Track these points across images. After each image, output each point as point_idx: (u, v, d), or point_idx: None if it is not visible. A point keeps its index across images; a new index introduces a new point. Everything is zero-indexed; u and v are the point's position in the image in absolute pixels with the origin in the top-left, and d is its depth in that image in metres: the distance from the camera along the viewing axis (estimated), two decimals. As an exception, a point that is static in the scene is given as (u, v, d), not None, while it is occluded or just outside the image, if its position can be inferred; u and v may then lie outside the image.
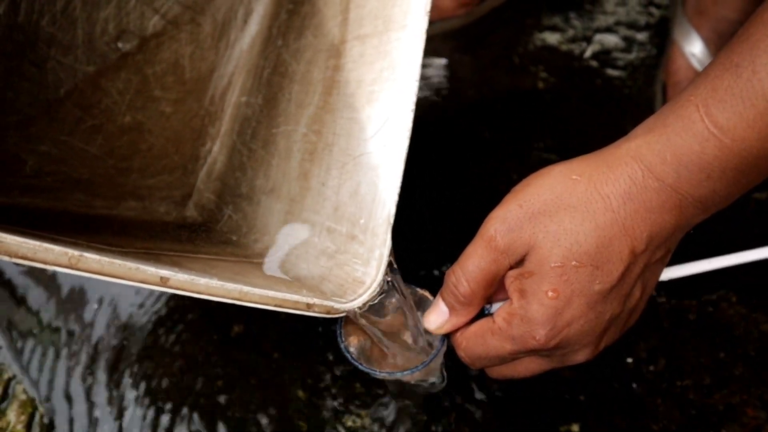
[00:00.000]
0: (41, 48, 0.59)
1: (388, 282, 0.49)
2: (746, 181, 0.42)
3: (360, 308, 0.48)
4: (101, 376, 0.69)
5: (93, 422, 0.66)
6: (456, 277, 0.44)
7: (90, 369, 0.69)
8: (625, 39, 0.93)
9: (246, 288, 0.41)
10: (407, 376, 0.48)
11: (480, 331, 0.45)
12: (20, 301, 0.75)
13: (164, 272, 0.37)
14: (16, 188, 0.54)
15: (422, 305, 0.49)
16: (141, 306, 0.73)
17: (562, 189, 0.42)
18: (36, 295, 0.75)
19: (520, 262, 0.43)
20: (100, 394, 0.68)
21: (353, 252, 0.51)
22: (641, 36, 0.93)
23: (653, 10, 0.96)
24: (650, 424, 0.62)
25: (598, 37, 0.94)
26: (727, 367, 0.65)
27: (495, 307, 0.47)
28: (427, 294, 0.50)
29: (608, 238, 0.41)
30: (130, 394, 0.67)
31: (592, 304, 0.42)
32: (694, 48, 0.81)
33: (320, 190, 0.55)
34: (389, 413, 0.64)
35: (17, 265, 0.66)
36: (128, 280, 0.37)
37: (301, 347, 0.68)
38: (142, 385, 0.68)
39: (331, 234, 0.54)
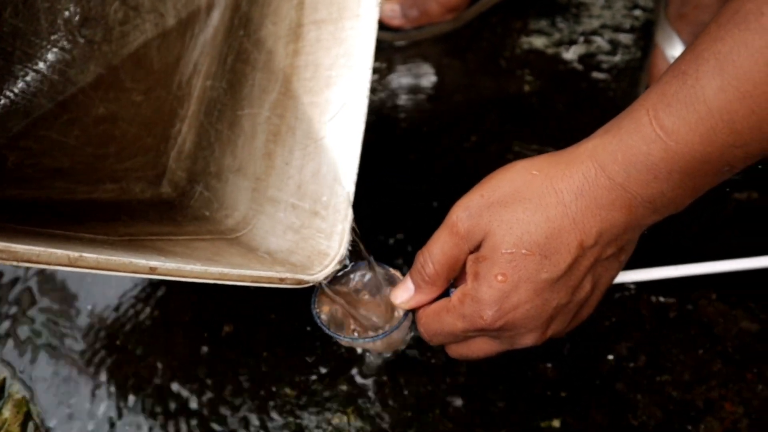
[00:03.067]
0: (6, 41, 0.62)
1: (351, 255, 0.54)
2: (693, 184, 0.43)
3: (325, 279, 0.54)
4: (94, 376, 0.71)
5: (87, 422, 0.68)
6: (423, 258, 0.50)
7: (83, 369, 0.71)
8: (611, 42, 0.95)
9: (225, 269, 0.47)
10: (369, 344, 0.54)
11: (438, 308, 0.50)
12: (14, 302, 0.77)
13: (153, 263, 0.43)
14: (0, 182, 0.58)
15: (393, 283, 0.55)
16: (133, 306, 0.76)
17: (521, 182, 0.46)
18: (29, 297, 0.77)
19: (478, 248, 0.48)
20: (94, 394, 0.70)
21: (317, 227, 0.57)
22: (626, 39, 0.95)
23: (638, 13, 0.98)
24: (630, 420, 0.64)
25: (584, 40, 0.96)
26: (706, 364, 0.66)
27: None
28: (397, 273, 0.55)
29: (558, 230, 0.45)
30: (123, 394, 0.69)
31: (538, 291, 0.46)
32: (676, 51, 0.83)
33: (284, 169, 0.60)
34: (375, 411, 0.66)
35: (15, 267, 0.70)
36: (122, 272, 0.42)
37: (289, 347, 0.71)
38: (135, 385, 0.70)
39: (295, 210, 0.59)
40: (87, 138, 0.63)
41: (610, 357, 0.67)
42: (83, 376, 0.71)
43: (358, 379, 0.67)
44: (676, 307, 0.70)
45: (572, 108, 0.88)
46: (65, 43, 0.65)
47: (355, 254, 0.55)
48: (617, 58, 0.94)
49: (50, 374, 0.71)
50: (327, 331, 0.53)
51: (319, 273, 0.54)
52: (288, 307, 0.74)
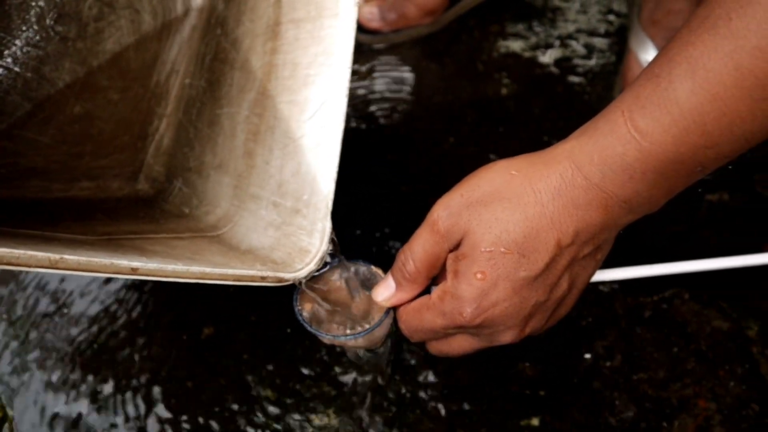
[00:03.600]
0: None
1: (331, 255, 0.55)
2: (667, 184, 0.44)
3: (305, 278, 0.54)
4: (73, 379, 0.70)
5: (62, 425, 0.68)
6: (405, 256, 0.50)
7: (61, 372, 0.71)
8: (586, 46, 0.97)
9: (207, 269, 0.47)
10: (351, 342, 0.54)
11: (418, 305, 0.51)
12: None
13: (135, 263, 0.42)
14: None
15: (375, 281, 0.56)
16: (112, 308, 0.75)
17: (501, 182, 0.47)
18: (6, 301, 0.77)
19: (458, 246, 0.48)
20: (70, 396, 0.69)
21: (298, 224, 0.57)
22: (601, 43, 0.97)
23: (612, 18, 1.00)
24: (607, 417, 0.65)
25: (560, 44, 0.98)
26: (680, 362, 0.68)
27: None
28: (379, 271, 0.56)
29: (536, 230, 0.45)
30: (100, 397, 0.69)
31: (517, 289, 0.46)
32: (649, 56, 0.84)
33: (265, 168, 0.60)
34: (357, 411, 0.67)
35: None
36: (104, 273, 0.42)
37: (270, 349, 0.71)
38: (113, 387, 0.69)
39: (276, 208, 0.59)
40: (62, 137, 0.62)
41: (588, 356, 0.68)
42: (60, 377, 0.70)
43: (340, 380, 0.68)
44: (651, 307, 0.71)
45: (548, 111, 0.90)
46: (38, 39, 0.64)
47: (335, 253, 0.55)
48: (592, 62, 0.95)
49: (27, 376, 0.71)
50: (309, 328, 0.54)
51: (301, 270, 0.54)
52: (269, 308, 0.74)
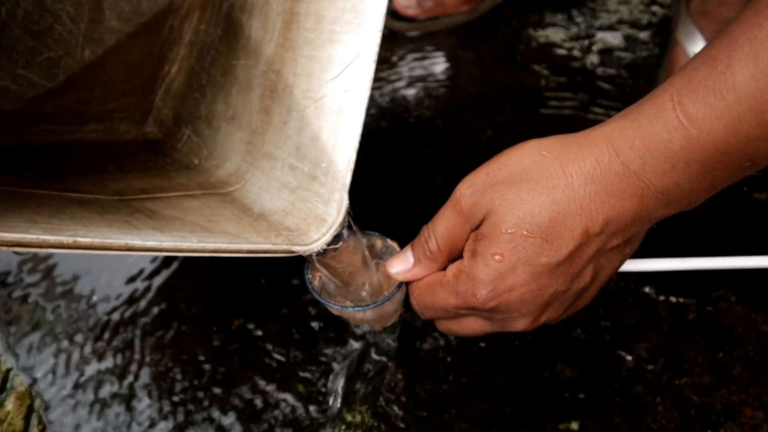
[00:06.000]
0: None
1: (348, 227, 0.53)
2: (711, 177, 0.41)
3: (320, 252, 0.53)
4: (101, 369, 0.69)
5: (92, 415, 0.66)
6: (428, 232, 0.49)
7: (88, 360, 0.70)
8: (628, 38, 0.93)
9: (221, 244, 0.45)
10: (360, 314, 0.53)
11: (432, 282, 0.49)
12: (17, 294, 0.75)
13: (150, 242, 0.41)
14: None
15: (391, 254, 0.54)
16: (139, 296, 0.74)
17: (530, 162, 0.45)
18: (32, 288, 0.75)
19: (480, 226, 0.46)
20: (100, 387, 0.68)
21: (314, 191, 0.55)
22: (643, 35, 0.93)
23: (656, 9, 0.95)
24: (649, 423, 0.62)
25: (601, 35, 0.93)
26: (725, 367, 0.65)
27: None
28: (395, 245, 0.54)
29: (563, 215, 0.43)
30: (128, 385, 0.68)
31: (536, 275, 0.44)
32: (698, 49, 0.79)
33: (282, 128, 0.58)
34: (390, 410, 0.64)
35: (17, 253, 0.67)
36: (119, 252, 0.40)
37: (300, 343, 0.69)
38: (144, 378, 0.68)
39: (293, 171, 0.57)
40: (71, 84, 0.59)
41: (629, 358, 0.65)
42: (87, 366, 0.69)
43: (372, 378, 0.66)
44: (696, 309, 0.68)
45: (589, 104, 0.86)
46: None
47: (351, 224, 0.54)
48: (634, 54, 0.92)
49: (53, 365, 0.69)
50: (317, 297, 0.52)
51: (315, 242, 0.53)
52: (300, 301, 0.72)
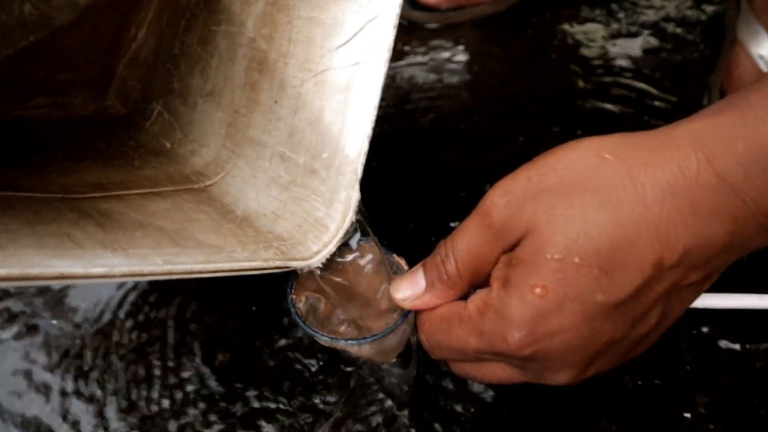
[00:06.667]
0: None
1: (359, 233, 0.42)
2: None
3: (323, 266, 0.42)
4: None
5: None
6: (445, 250, 0.37)
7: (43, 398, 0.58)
8: (674, 37, 0.82)
9: (196, 265, 0.34)
10: (354, 348, 0.42)
11: (448, 315, 0.38)
12: None
13: (95, 269, 0.30)
14: None
15: (396, 274, 0.43)
16: (107, 322, 0.62)
17: (586, 167, 0.34)
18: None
19: (515, 247, 0.36)
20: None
21: (313, 188, 0.44)
22: (693, 34, 0.82)
23: (706, 6, 0.85)
24: None
25: (645, 33, 0.83)
26: None
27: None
28: (402, 262, 0.43)
29: (630, 239, 0.33)
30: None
31: (588, 317, 0.34)
32: (763, 49, 0.70)
33: (272, 108, 0.46)
34: None
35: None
36: (48, 280, 0.29)
37: (294, 386, 0.57)
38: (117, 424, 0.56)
39: (285, 162, 0.46)
40: (12, 50, 0.47)
41: (687, 415, 0.54)
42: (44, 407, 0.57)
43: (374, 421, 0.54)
44: (764, 356, 0.56)
45: (629, 109, 0.76)
46: None
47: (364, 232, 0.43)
48: (682, 56, 0.81)
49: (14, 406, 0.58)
50: (302, 325, 0.41)
51: (316, 255, 0.42)
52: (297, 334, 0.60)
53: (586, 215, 0.33)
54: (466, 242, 0.37)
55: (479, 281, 0.38)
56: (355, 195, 0.41)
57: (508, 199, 0.35)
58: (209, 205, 0.46)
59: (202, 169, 0.51)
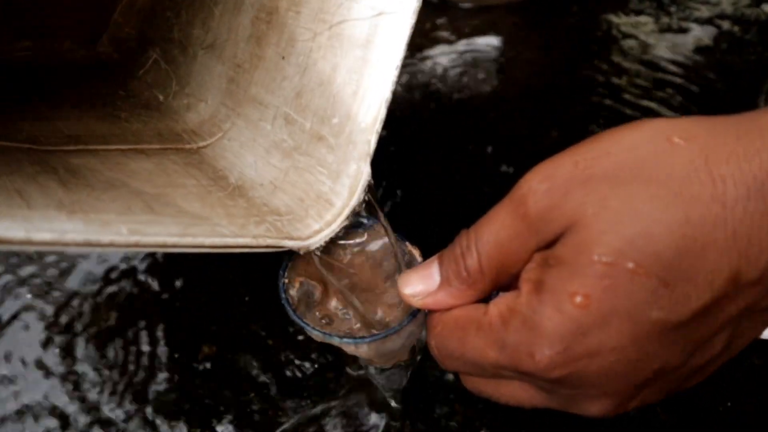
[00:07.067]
0: None
1: (366, 215, 0.36)
2: None
3: (323, 249, 0.36)
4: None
5: None
6: (467, 243, 0.31)
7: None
8: (729, 36, 0.75)
9: (169, 237, 0.29)
10: (350, 347, 0.36)
11: (464, 319, 0.32)
12: None
13: (40, 234, 0.24)
14: None
15: (408, 264, 0.37)
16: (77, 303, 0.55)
17: (651, 152, 0.28)
18: None
19: (553, 243, 0.30)
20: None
21: (319, 157, 0.38)
22: (749, 35, 0.75)
23: (766, 5, 0.78)
24: None
25: (696, 30, 0.76)
26: None
27: (502, 296, 0.34)
28: (416, 253, 0.37)
29: (701, 245, 0.27)
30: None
31: (638, 337, 0.28)
32: None
33: (278, 64, 0.40)
34: None
35: None
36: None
37: (284, 386, 0.51)
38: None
39: (289, 125, 0.40)
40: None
41: None
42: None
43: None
44: None
45: (678, 111, 0.69)
46: None
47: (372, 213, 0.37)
48: (736, 56, 0.74)
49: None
50: (293, 315, 0.35)
51: (317, 235, 0.36)
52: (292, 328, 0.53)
53: (647, 211, 0.27)
54: (493, 233, 0.31)
55: (505, 282, 0.32)
56: (366, 169, 0.36)
57: (549, 184, 0.29)
58: (199, 169, 0.40)
59: (197, 128, 0.45)
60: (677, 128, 0.29)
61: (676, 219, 0.27)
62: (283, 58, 0.40)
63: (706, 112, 0.67)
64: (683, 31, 0.77)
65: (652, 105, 0.70)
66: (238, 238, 0.32)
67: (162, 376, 0.51)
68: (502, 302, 0.31)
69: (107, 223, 0.27)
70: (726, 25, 0.77)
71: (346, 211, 0.36)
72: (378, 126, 0.35)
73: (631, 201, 0.28)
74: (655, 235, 0.27)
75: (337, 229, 0.36)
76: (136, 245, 0.27)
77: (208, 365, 0.51)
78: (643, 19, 0.79)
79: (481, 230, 0.31)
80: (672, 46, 0.76)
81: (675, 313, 0.28)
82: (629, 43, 0.76)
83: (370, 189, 0.36)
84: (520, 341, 0.29)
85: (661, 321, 0.28)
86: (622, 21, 0.79)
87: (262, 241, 0.33)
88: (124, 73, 0.51)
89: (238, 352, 0.52)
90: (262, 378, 0.51)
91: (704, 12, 0.79)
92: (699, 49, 0.75)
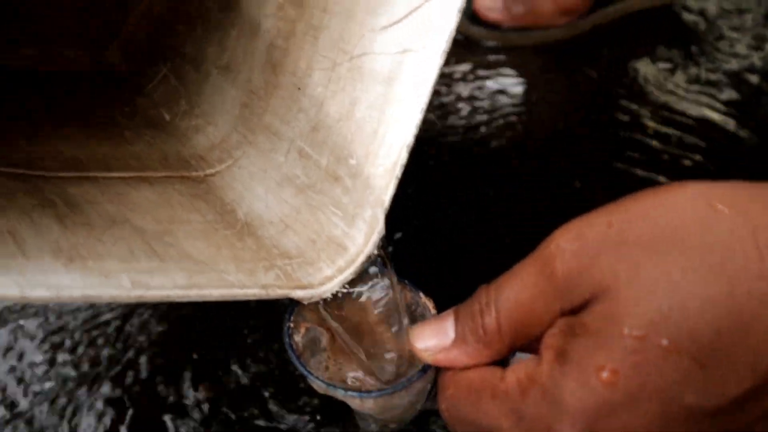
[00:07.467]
0: None
1: (379, 263, 0.34)
2: None
3: (334, 296, 0.34)
4: None
5: None
6: (486, 299, 0.29)
7: None
8: (758, 91, 0.73)
9: (173, 291, 0.27)
10: (355, 401, 0.34)
11: (479, 383, 0.30)
12: None
13: (35, 292, 0.22)
14: None
15: (420, 317, 0.35)
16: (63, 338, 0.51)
17: (692, 219, 0.26)
18: None
19: (580, 309, 0.28)
20: None
21: (333, 197, 0.36)
22: None
23: None
24: None
25: (726, 82, 0.74)
26: None
27: (520, 358, 0.32)
28: (430, 305, 0.35)
29: (744, 326, 0.25)
30: None
31: (668, 422, 0.26)
32: None
33: (294, 95, 0.38)
34: None
35: None
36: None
37: None
38: None
39: (304, 160, 0.38)
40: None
41: None
42: None
43: None
44: None
45: (709, 170, 0.67)
46: None
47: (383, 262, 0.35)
48: (766, 112, 0.72)
49: None
50: (297, 363, 0.33)
51: (329, 282, 0.34)
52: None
53: (685, 283, 0.25)
54: (515, 292, 0.29)
55: (523, 344, 0.30)
56: (382, 217, 0.34)
57: (579, 245, 0.27)
58: (205, 201, 0.38)
59: (205, 153, 0.43)
60: (718, 194, 0.27)
61: (717, 294, 0.25)
62: (299, 89, 0.37)
63: (738, 167, 0.65)
64: (711, 83, 0.76)
65: (687, 162, 0.68)
66: (246, 289, 0.30)
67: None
68: (521, 369, 0.28)
69: (108, 273, 0.25)
70: (754, 79, 0.76)
71: (361, 258, 0.34)
72: (398, 171, 0.33)
73: (668, 271, 0.25)
74: (693, 310, 0.25)
75: (351, 277, 0.34)
76: (140, 299, 0.25)
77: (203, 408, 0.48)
78: (671, 68, 0.78)
79: (502, 287, 0.29)
80: (699, 98, 0.74)
81: (712, 400, 0.25)
82: (655, 92, 0.75)
83: (383, 237, 0.34)
84: (540, 415, 0.27)
85: (695, 407, 0.25)
86: (649, 69, 0.77)
87: (271, 292, 0.31)
88: (131, 88, 0.49)
89: (234, 398, 0.48)
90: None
91: (733, 65, 0.78)
92: (727, 103, 0.74)
